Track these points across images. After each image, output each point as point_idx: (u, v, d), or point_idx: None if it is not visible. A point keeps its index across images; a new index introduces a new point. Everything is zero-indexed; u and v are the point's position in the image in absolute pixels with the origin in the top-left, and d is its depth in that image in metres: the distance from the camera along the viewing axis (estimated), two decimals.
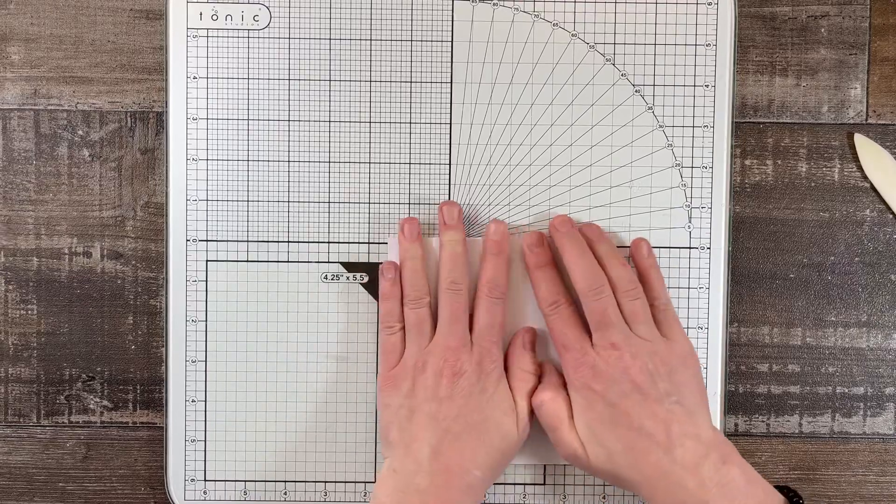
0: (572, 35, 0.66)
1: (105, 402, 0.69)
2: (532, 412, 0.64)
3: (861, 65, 0.68)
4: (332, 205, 0.67)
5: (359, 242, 0.67)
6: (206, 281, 0.67)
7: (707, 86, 0.67)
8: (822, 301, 0.69)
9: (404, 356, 0.64)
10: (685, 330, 0.65)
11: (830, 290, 0.69)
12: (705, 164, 0.67)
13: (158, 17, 0.68)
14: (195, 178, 0.67)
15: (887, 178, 0.68)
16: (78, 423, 0.69)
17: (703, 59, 0.67)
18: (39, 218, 0.68)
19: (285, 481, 0.68)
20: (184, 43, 0.66)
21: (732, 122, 0.67)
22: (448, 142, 0.67)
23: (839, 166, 0.69)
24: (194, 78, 0.67)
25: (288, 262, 0.67)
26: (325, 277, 0.67)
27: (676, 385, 0.61)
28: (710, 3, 0.66)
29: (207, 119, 0.67)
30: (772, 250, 0.69)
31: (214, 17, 0.66)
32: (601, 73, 0.67)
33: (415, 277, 0.65)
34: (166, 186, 0.67)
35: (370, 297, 0.67)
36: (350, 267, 0.67)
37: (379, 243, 0.67)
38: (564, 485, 0.68)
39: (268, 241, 0.67)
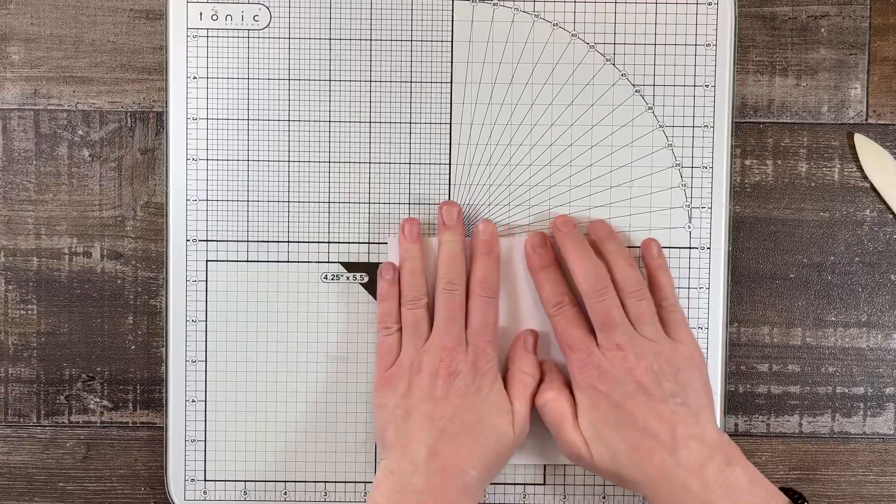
0: (572, 35, 0.66)
1: (105, 402, 0.69)
2: (530, 414, 0.64)
3: (861, 65, 0.68)
4: (332, 205, 0.67)
5: (359, 242, 0.67)
6: (206, 281, 0.67)
7: (707, 86, 0.67)
8: (822, 301, 0.69)
9: (400, 356, 0.64)
10: None
11: (830, 290, 0.69)
12: (705, 164, 0.67)
13: (158, 17, 0.68)
14: (195, 178, 0.67)
15: (887, 178, 0.68)
16: (78, 423, 0.69)
17: (703, 59, 0.67)
18: (39, 218, 0.68)
19: (285, 481, 0.68)
20: (184, 43, 0.66)
21: (732, 122, 0.67)
22: (448, 142, 0.67)
23: (839, 166, 0.69)
24: (194, 78, 0.67)
25: (288, 262, 0.67)
26: (325, 277, 0.67)
27: (682, 386, 0.61)
28: (710, 3, 0.66)
29: (207, 119, 0.67)
30: (772, 250, 0.69)
31: (214, 17, 0.66)
32: (601, 73, 0.67)
33: (413, 278, 0.65)
34: (166, 186, 0.67)
35: (370, 298, 0.67)
36: (350, 267, 0.67)
37: (379, 243, 0.67)
38: (564, 485, 0.68)
39: (268, 241, 0.67)
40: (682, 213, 0.67)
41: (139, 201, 0.68)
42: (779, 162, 0.69)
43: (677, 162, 0.67)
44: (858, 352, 0.69)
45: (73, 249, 0.68)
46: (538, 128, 0.67)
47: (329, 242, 0.67)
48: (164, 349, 0.68)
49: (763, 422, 0.69)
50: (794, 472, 0.69)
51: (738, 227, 0.69)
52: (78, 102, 0.68)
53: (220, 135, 0.67)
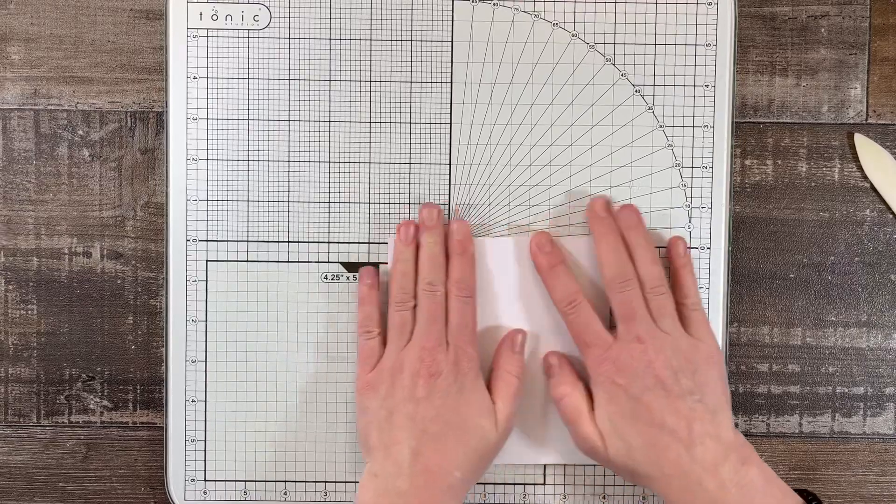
0: (572, 35, 0.66)
1: (105, 402, 0.69)
2: (514, 413, 0.64)
3: (861, 65, 0.68)
4: (332, 205, 0.67)
5: (359, 242, 0.67)
6: (206, 281, 0.67)
7: (707, 86, 0.67)
8: (822, 301, 0.69)
9: (383, 358, 0.64)
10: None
11: (830, 290, 0.69)
12: (705, 164, 0.67)
13: (158, 17, 0.68)
14: (195, 178, 0.67)
15: (887, 178, 0.68)
16: (78, 423, 0.69)
17: (703, 59, 0.67)
18: (39, 218, 0.68)
19: (285, 481, 0.68)
20: (184, 43, 0.66)
21: (732, 122, 0.67)
22: (448, 142, 0.67)
23: (839, 166, 0.69)
24: (194, 78, 0.67)
25: (288, 262, 0.67)
26: (325, 277, 0.67)
27: (699, 384, 0.61)
28: (710, 3, 0.66)
29: (207, 119, 0.67)
30: (772, 250, 0.69)
31: (214, 17, 0.66)
32: (601, 73, 0.67)
33: (404, 280, 0.65)
34: (166, 186, 0.67)
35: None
36: (350, 267, 0.67)
37: (379, 243, 0.67)
38: (564, 485, 0.68)
39: (268, 241, 0.67)
40: (682, 213, 0.67)
41: (139, 201, 0.68)
42: (779, 162, 0.69)
43: (677, 162, 0.67)
44: (858, 352, 0.69)
45: (73, 249, 0.68)
46: (538, 128, 0.67)
47: (329, 242, 0.67)
48: (164, 349, 0.68)
49: (763, 422, 0.69)
50: (794, 472, 0.69)
51: (738, 227, 0.69)
52: (78, 102, 0.68)
53: (220, 135, 0.67)
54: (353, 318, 0.67)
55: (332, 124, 0.67)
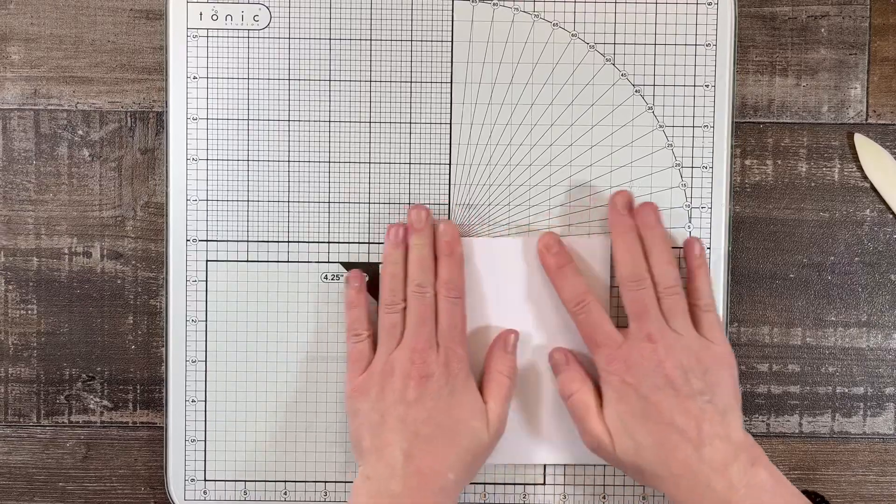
0: (572, 35, 0.66)
1: (105, 402, 0.69)
2: (505, 414, 0.64)
3: (861, 65, 0.68)
4: (332, 205, 0.67)
5: (359, 242, 0.67)
6: (206, 281, 0.67)
7: (707, 86, 0.67)
8: (822, 301, 0.69)
9: (373, 361, 0.64)
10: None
11: (830, 290, 0.69)
12: (705, 164, 0.67)
13: (158, 17, 0.68)
14: (195, 178, 0.67)
15: (887, 178, 0.68)
16: (78, 423, 0.69)
17: (703, 59, 0.67)
18: (39, 218, 0.68)
19: (285, 481, 0.68)
20: (184, 43, 0.66)
21: (732, 122, 0.67)
22: (448, 142, 0.67)
23: (839, 166, 0.69)
24: (194, 78, 0.67)
25: (288, 262, 0.67)
26: (325, 277, 0.67)
27: (710, 385, 0.61)
28: (710, 3, 0.66)
29: (207, 119, 0.67)
30: (772, 250, 0.69)
31: (214, 17, 0.66)
32: (601, 73, 0.67)
33: (394, 282, 0.65)
34: (166, 186, 0.67)
35: (370, 297, 0.67)
36: (350, 267, 0.67)
37: (379, 243, 0.67)
38: (564, 485, 0.68)
39: (268, 241, 0.67)
40: (682, 213, 0.67)
41: (139, 201, 0.68)
42: (779, 162, 0.69)
43: (677, 162, 0.67)
44: (858, 352, 0.69)
45: (73, 249, 0.68)
46: (538, 128, 0.67)
47: (329, 242, 0.67)
48: (164, 349, 0.68)
49: (763, 422, 0.69)
50: (794, 472, 0.69)
51: (738, 227, 0.69)
52: (78, 102, 0.68)
53: (220, 135, 0.67)
54: None
55: (332, 124, 0.67)
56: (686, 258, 0.65)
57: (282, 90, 0.67)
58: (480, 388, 0.65)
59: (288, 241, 0.67)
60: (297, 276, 0.67)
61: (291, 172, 0.67)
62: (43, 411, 0.69)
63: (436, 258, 0.65)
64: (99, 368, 0.69)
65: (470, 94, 0.67)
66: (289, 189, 0.67)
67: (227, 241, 0.67)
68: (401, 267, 0.65)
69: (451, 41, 0.67)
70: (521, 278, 0.67)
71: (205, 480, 0.68)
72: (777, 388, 0.69)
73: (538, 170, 0.67)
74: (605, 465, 0.68)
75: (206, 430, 0.67)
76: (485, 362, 0.66)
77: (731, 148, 0.67)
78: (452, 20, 0.67)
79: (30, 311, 0.69)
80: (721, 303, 0.67)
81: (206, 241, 0.67)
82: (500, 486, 0.68)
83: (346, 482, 0.68)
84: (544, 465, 0.68)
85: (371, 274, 0.67)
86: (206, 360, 0.67)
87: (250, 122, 0.67)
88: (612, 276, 0.67)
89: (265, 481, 0.68)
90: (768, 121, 0.68)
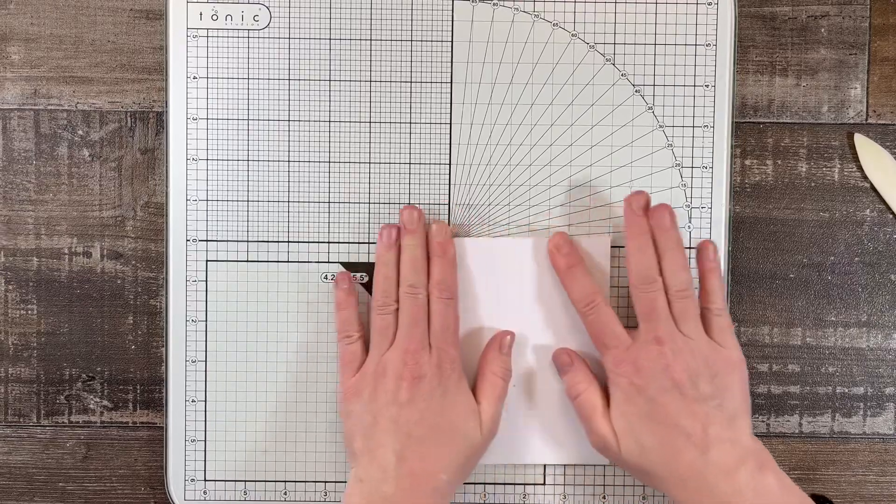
0: (572, 35, 0.66)
1: (105, 402, 0.69)
2: (499, 415, 0.64)
3: (861, 65, 0.68)
4: (332, 205, 0.67)
5: (359, 242, 0.67)
6: (206, 281, 0.67)
7: (707, 86, 0.67)
8: (822, 301, 0.69)
9: (365, 362, 0.64)
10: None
11: (830, 290, 0.69)
12: (705, 164, 0.67)
13: (158, 17, 0.68)
14: (195, 178, 0.67)
15: (887, 178, 0.68)
16: (78, 423, 0.69)
17: (703, 59, 0.67)
18: (39, 218, 0.68)
19: (285, 481, 0.68)
20: (184, 43, 0.66)
21: (732, 122, 0.67)
22: (448, 142, 0.67)
23: (839, 166, 0.69)
24: (194, 78, 0.67)
25: (288, 262, 0.67)
26: (325, 277, 0.67)
27: (719, 389, 0.61)
28: (710, 3, 0.66)
29: (207, 119, 0.67)
30: (772, 250, 0.69)
31: (214, 17, 0.66)
32: (601, 73, 0.67)
33: (386, 284, 0.64)
34: (166, 186, 0.67)
35: (370, 297, 0.67)
36: (350, 267, 0.67)
37: None
38: (564, 485, 0.68)
39: (268, 241, 0.67)
40: (682, 213, 0.67)
41: (139, 201, 0.68)
42: (779, 162, 0.69)
43: (677, 162, 0.67)
44: (858, 352, 0.69)
45: (73, 249, 0.68)
46: (538, 128, 0.67)
47: (329, 242, 0.67)
48: (164, 349, 0.68)
49: (763, 422, 0.69)
50: (794, 472, 0.69)
51: (738, 227, 0.69)
52: (78, 102, 0.68)
53: (220, 135, 0.67)
54: None
55: (332, 124, 0.67)
56: (699, 261, 0.65)
57: (282, 90, 0.67)
58: (474, 389, 0.65)
59: (288, 241, 0.67)
60: (296, 276, 0.67)
61: (291, 172, 0.67)
62: (43, 411, 0.69)
63: (428, 259, 0.65)
64: (99, 368, 0.69)
65: (470, 94, 0.67)
66: (289, 189, 0.67)
67: (227, 241, 0.67)
68: (393, 268, 0.65)
69: (451, 41, 0.67)
70: (517, 279, 0.67)
71: (205, 480, 0.68)
72: (777, 388, 0.69)
73: (538, 170, 0.67)
74: (605, 466, 0.68)
75: (206, 430, 0.67)
76: (479, 363, 0.66)
77: (731, 148, 0.67)
78: (452, 20, 0.67)
79: (30, 311, 0.69)
80: None
81: (206, 241, 0.67)
82: (500, 486, 0.68)
83: (345, 482, 0.68)
84: (544, 465, 0.68)
85: (371, 274, 0.67)
86: (205, 360, 0.67)
87: (250, 122, 0.67)
88: (613, 277, 0.67)
89: (265, 481, 0.68)
90: (768, 121, 0.68)
